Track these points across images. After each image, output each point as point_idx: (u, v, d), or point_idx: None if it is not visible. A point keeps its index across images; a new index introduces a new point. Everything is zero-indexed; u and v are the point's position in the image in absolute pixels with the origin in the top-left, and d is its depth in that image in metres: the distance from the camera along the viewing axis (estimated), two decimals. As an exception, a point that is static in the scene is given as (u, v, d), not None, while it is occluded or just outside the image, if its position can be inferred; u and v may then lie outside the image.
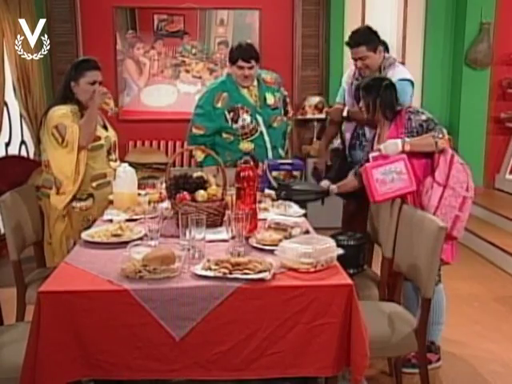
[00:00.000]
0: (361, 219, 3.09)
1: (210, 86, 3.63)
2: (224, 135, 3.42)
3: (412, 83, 3.13)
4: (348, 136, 3.35)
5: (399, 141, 2.66)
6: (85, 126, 2.92)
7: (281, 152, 3.54)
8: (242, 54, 3.32)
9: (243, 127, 3.39)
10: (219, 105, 3.39)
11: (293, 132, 5.69)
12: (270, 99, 3.47)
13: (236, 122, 3.38)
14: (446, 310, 2.85)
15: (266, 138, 3.43)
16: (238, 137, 3.40)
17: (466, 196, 2.66)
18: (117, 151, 3.23)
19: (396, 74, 3.11)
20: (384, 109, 2.79)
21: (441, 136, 2.65)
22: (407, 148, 2.64)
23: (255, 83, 3.45)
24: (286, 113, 3.64)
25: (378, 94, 2.78)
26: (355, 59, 3.18)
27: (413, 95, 3.17)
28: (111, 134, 3.18)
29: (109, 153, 3.10)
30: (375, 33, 3.18)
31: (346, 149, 3.39)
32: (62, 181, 2.92)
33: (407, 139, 2.66)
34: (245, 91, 3.42)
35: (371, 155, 2.75)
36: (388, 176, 2.63)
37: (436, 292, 2.69)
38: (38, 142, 3.04)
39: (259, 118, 3.41)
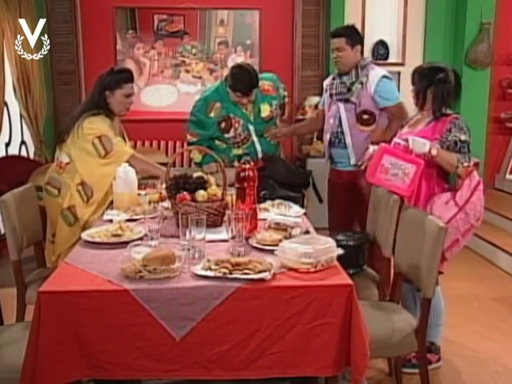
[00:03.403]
0: (348, 213, 3.21)
1: (203, 94, 3.59)
2: (217, 142, 3.44)
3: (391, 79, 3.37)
4: (328, 136, 3.41)
5: (429, 143, 2.58)
6: (140, 165, 3.00)
7: None
8: (242, 87, 3.26)
9: (235, 137, 3.40)
10: (212, 114, 3.39)
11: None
12: (265, 111, 3.44)
13: (228, 131, 3.39)
14: (444, 311, 2.85)
15: (258, 147, 3.43)
16: (230, 145, 3.41)
17: (473, 225, 2.65)
18: None
19: (378, 72, 3.29)
20: (436, 102, 2.69)
21: (465, 164, 2.59)
22: (434, 152, 2.57)
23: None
24: (281, 114, 3.61)
25: (430, 84, 2.70)
26: (333, 50, 3.32)
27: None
28: (128, 146, 3.21)
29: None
30: (359, 33, 3.35)
31: (326, 148, 3.49)
32: (93, 190, 2.94)
33: (437, 146, 2.60)
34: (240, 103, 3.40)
35: (395, 140, 2.71)
36: (394, 169, 2.61)
37: (433, 295, 2.69)
38: (59, 141, 3.05)
39: (251, 128, 3.41)
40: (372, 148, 2.79)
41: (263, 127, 3.44)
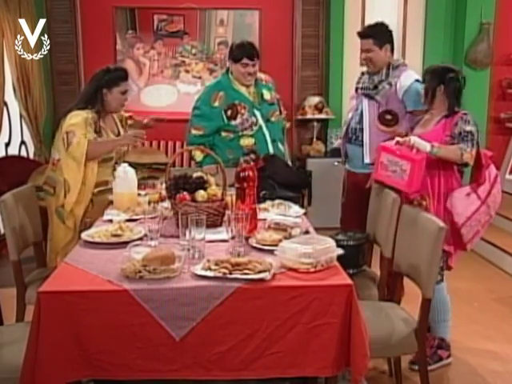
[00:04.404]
0: (361, 215, 3.17)
1: (206, 88, 3.66)
2: (223, 134, 3.42)
3: None
4: (344, 129, 3.43)
5: (429, 145, 2.62)
6: (98, 147, 2.99)
7: (281, 147, 3.53)
8: (246, 52, 3.37)
9: (242, 123, 3.39)
10: (216, 104, 3.40)
11: (292, 132, 5.70)
12: (267, 95, 3.51)
13: (235, 118, 3.39)
14: (451, 307, 2.87)
15: (266, 131, 3.43)
16: (238, 133, 3.40)
17: (492, 216, 2.76)
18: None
19: (411, 75, 3.22)
20: (450, 100, 2.75)
21: (468, 150, 2.64)
22: (435, 150, 2.61)
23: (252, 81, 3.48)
24: (279, 113, 3.64)
25: (440, 83, 2.75)
26: (362, 51, 3.27)
27: None
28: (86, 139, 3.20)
29: (116, 162, 3.14)
30: (389, 31, 3.27)
31: (342, 144, 3.49)
32: (70, 185, 2.96)
33: (436, 145, 2.63)
34: (243, 89, 3.44)
35: (398, 138, 2.71)
36: (392, 166, 2.65)
37: (438, 291, 2.72)
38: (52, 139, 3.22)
39: (257, 113, 3.42)
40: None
41: (268, 110, 3.47)
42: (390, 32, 3.27)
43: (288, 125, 3.78)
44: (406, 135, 2.86)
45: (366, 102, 3.26)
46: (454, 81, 2.76)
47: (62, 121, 3.02)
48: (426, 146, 2.62)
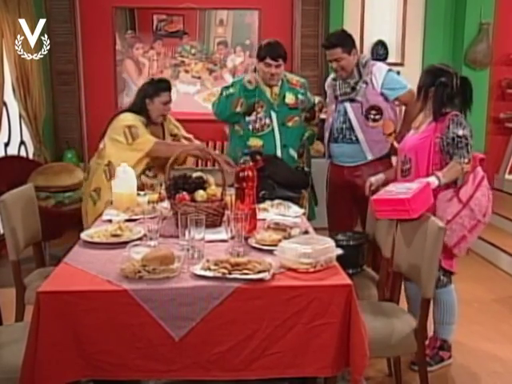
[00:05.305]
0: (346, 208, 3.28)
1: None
2: (236, 127, 3.44)
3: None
4: (327, 133, 3.45)
5: (433, 178, 2.58)
6: (164, 147, 3.21)
7: (292, 153, 3.46)
8: (270, 51, 3.33)
9: (255, 121, 3.37)
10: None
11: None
12: (290, 99, 3.44)
13: (249, 115, 3.38)
14: (458, 310, 2.86)
15: (277, 135, 3.39)
16: (248, 131, 3.39)
17: (480, 220, 2.66)
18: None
19: (382, 67, 3.35)
20: (435, 104, 2.71)
21: (465, 160, 2.59)
22: (442, 180, 2.58)
23: (278, 82, 3.44)
24: (309, 118, 3.60)
25: (432, 86, 2.72)
26: (331, 61, 3.33)
27: None
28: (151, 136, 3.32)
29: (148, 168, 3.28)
30: (350, 36, 3.35)
31: (326, 145, 3.52)
32: (115, 170, 3.09)
33: (440, 176, 2.59)
34: (266, 88, 3.41)
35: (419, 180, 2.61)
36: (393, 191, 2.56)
37: (446, 293, 2.76)
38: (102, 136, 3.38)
39: (273, 115, 3.39)
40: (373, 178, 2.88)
41: (286, 114, 3.42)
42: (351, 36, 3.36)
43: (310, 132, 3.63)
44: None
45: (348, 105, 3.33)
46: (443, 86, 2.68)
47: (115, 119, 3.25)
48: (434, 182, 2.57)
